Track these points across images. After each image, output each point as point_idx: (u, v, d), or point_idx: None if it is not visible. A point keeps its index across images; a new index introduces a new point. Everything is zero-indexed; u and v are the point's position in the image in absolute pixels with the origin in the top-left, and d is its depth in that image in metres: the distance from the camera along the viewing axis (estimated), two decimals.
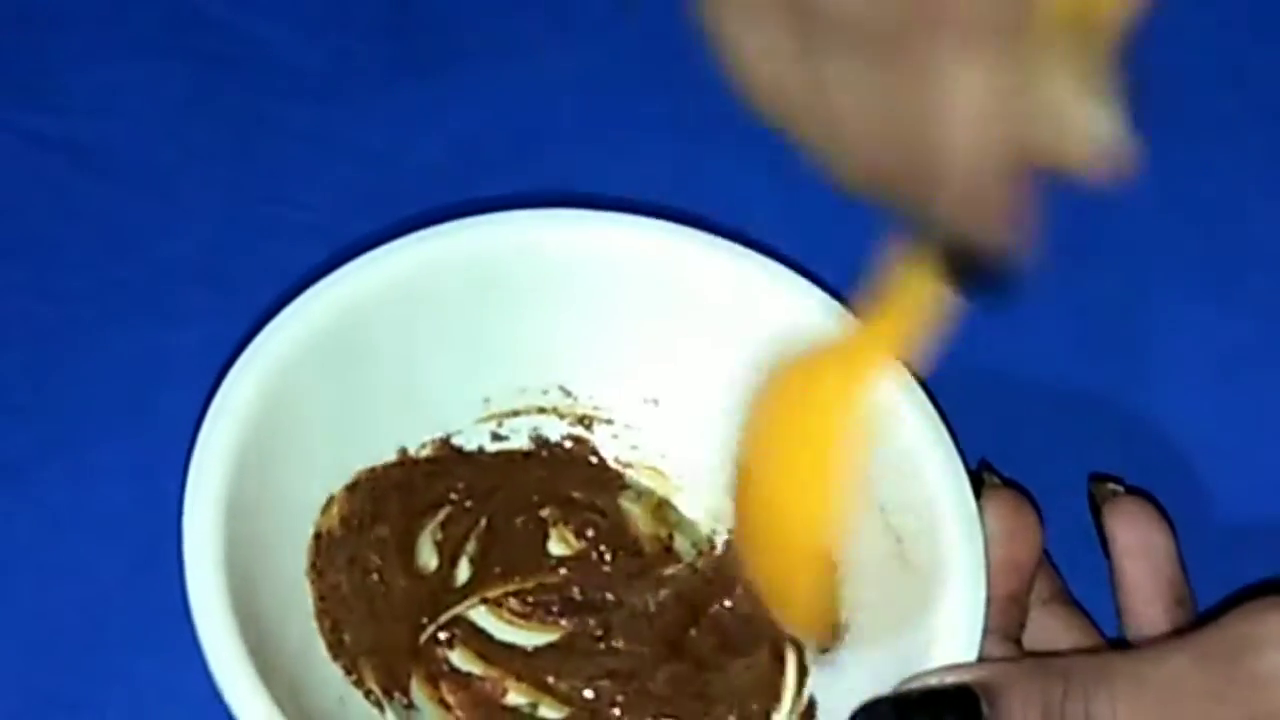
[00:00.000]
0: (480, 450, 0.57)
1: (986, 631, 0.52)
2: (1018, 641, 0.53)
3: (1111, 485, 0.57)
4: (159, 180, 0.64)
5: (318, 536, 0.54)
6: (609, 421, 0.58)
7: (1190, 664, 0.48)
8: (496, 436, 0.57)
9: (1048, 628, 0.55)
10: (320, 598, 0.53)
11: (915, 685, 0.49)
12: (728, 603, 0.56)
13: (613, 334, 0.56)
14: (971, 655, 0.50)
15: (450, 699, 0.55)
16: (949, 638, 0.51)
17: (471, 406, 0.57)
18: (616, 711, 0.55)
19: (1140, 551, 0.55)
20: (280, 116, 0.65)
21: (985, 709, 0.48)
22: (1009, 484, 0.56)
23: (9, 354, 0.60)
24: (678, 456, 0.58)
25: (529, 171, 0.63)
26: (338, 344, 0.54)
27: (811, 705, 0.54)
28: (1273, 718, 0.47)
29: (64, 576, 0.57)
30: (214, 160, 0.64)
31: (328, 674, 0.53)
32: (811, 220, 0.62)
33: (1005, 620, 0.53)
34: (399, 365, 0.55)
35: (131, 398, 0.59)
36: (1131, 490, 0.57)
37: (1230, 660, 0.48)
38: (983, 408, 0.61)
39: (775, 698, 0.55)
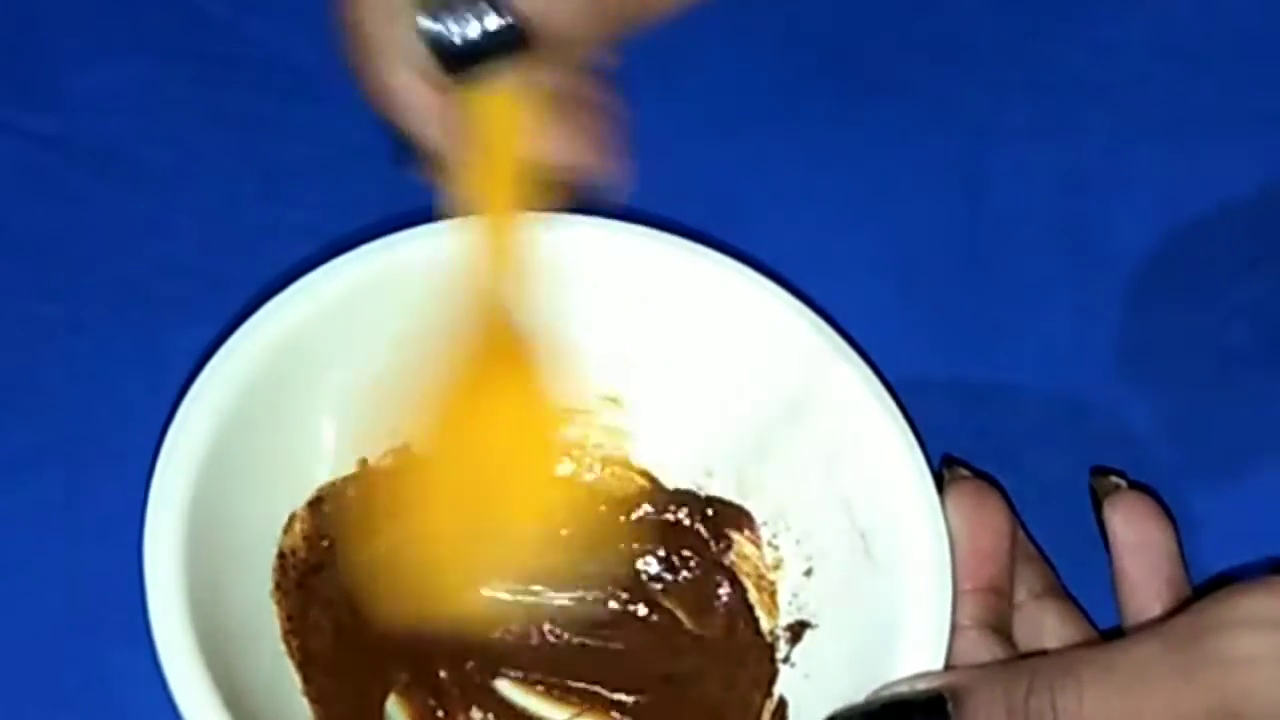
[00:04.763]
0: None
1: (967, 626, 0.52)
2: (1008, 636, 0.53)
3: (1114, 479, 0.57)
4: (159, 180, 0.64)
5: (281, 556, 0.54)
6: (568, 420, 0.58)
7: (1158, 648, 0.48)
8: None
9: (1040, 622, 0.55)
10: (288, 617, 0.53)
11: (884, 694, 0.50)
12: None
13: (569, 333, 0.56)
14: (940, 649, 0.51)
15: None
16: (916, 632, 0.51)
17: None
18: None
19: (1140, 548, 0.55)
20: (280, 116, 0.65)
21: (951, 712, 0.48)
22: (976, 475, 0.56)
23: (9, 354, 0.60)
24: (640, 454, 0.58)
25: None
26: (290, 361, 0.54)
27: (782, 704, 0.54)
28: (1240, 697, 0.47)
29: (64, 576, 0.57)
30: (214, 160, 0.64)
31: (298, 697, 0.53)
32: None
33: (986, 612, 0.53)
34: (355, 376, 0.55)
35: (132, 397, 0.59)
36: (1133, 485, 0.57)
37: (1197, 642, 0.48)
38: (982, 407, 0.61)
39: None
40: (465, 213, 0.51)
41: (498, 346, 0.53)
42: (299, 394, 0.54)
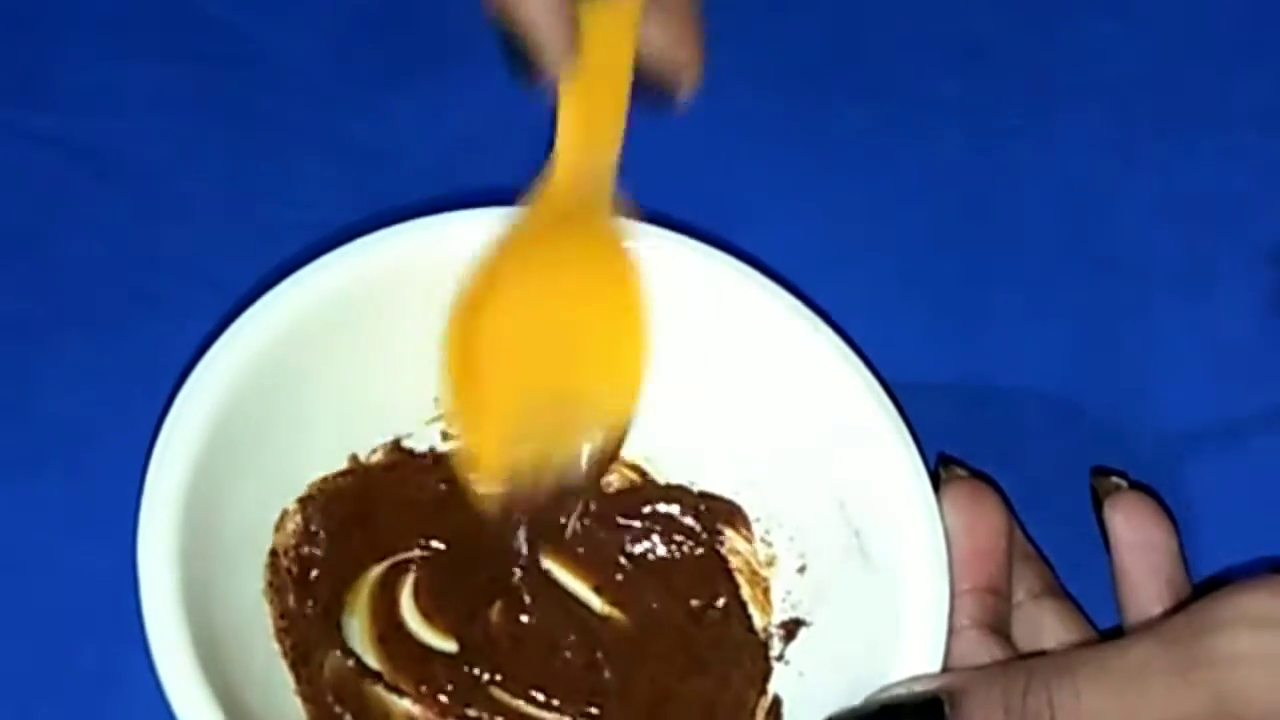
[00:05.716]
0: (431, 451, 0.57)
1: (965, 626, 0.52)
2: (1007, 636, 0.53)
3: (1115, 479, 0.57)
4: (159, 180, 0.64)
5: (273, 554, 0.54)
6: None
7: (1155, 647, 0.48)
8: (447, 436, 0.57)
9: (1039, 622, 0.55)
10: (280, 616, 0.53)
11: (880, 697, 0.50)
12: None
13: None
14: (938, 649, 0.51)
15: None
16: (913, 632, 0.51)
17: (421, 408, 0.57)
18: None
19: (1141, 548, 0.55)
20: (280, 116, 0.65)
21: (948, 714, 0.48)
22: (973, 474, 0.56)
23: (7, 354, 0.60)
24: (633, 449, 0.58)
25: (528, 172, 0.63)
26: (283, 358, 0.54)
27: (777, 702, 0.54)
28: (1238, 697, 0.47)
29: (64, 576, 0.57)
30: (214, 160, 0.64)
31: (290, 695, 0.53)
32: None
33: (984, 612, 0.53)
34: (346, 372, 0.55)
35: (131, 398, 0.59)
36: (1134, 485, 0.57)
37: (1195, 641, 0.48)
38: (982, 407, 0.61)
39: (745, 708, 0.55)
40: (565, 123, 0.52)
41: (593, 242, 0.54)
42: (291, 391, 0.54)
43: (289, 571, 0.54)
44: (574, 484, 0.56)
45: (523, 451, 0.55)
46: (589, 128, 0.52)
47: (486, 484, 0.55)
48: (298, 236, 0.60)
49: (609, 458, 0.56)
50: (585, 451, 0.56)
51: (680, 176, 0.62)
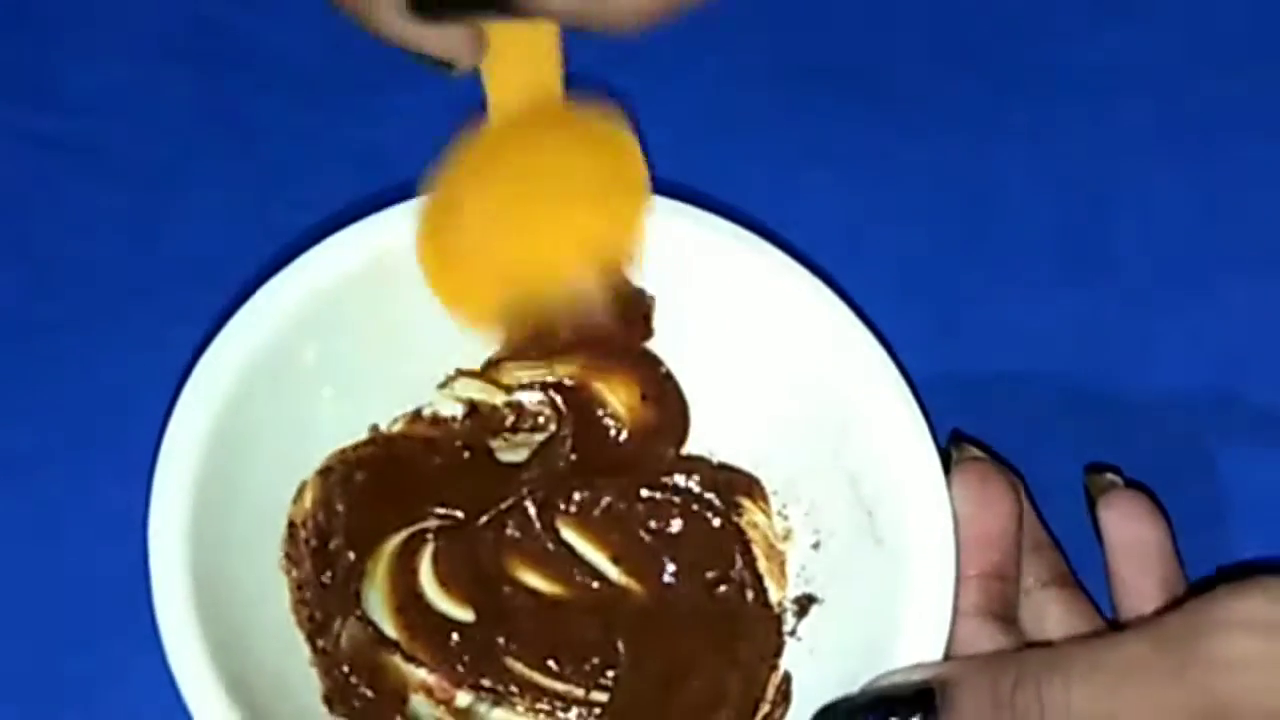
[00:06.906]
0: (453, 418, 0.57)
1: (969, 613, 0.52)
2: (1012, 622, 0.53)
3: (1109, 476, 0.57)
4: (159, 180, 0.64)
5: (291, 526, 0.54)
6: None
7: (1149, 647, 0.48)
8: (467, 406, 0.58)
9: (1047, 612, 0.54)
10: (298, 587, 0.53)
11: (876, 686, 0.50)
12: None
13: None
14: (940, 637, 0.51)
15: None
16: (917, 618, 0.51)
17: (438, 378, 0.57)
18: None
19: (1134, 548, 0.55)
20: (280, 116, 0.65)
21: (939, 704, 0.48)
22: (981, 452, 0.56)
23: (9, 354, 0.60)
24: None
25: None
26: (296, 338, 0.54)
27: (787, 678, 0.54)
28: (1229, 699, 0.47)
29: (64, 576, 0.57)
30: (214, 160, 0.64)
31: (306, 667, 0.53)
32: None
33: (988, 599, 0.53)
34: (364, 345, 0.55)
35: (132, 397, 0.59)
36: (1128, 483, 0.57)
37: (1189, 643, 0.48)
38: (982, 406, 0.61)
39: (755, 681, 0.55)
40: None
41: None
42: (305, 371, 0.55)
43: (307, 543, 0.54)
44: (583, 315, 0.56)
45: (508, 291, 0.55)
46: (519, 71, 0.53)
47: (475, 324, 0.56)
48: (297, 236, 0.60)
49: (614, 286, 0.56)
50: (585, 284, 0.56)
51: (680, 179, 0.62)
